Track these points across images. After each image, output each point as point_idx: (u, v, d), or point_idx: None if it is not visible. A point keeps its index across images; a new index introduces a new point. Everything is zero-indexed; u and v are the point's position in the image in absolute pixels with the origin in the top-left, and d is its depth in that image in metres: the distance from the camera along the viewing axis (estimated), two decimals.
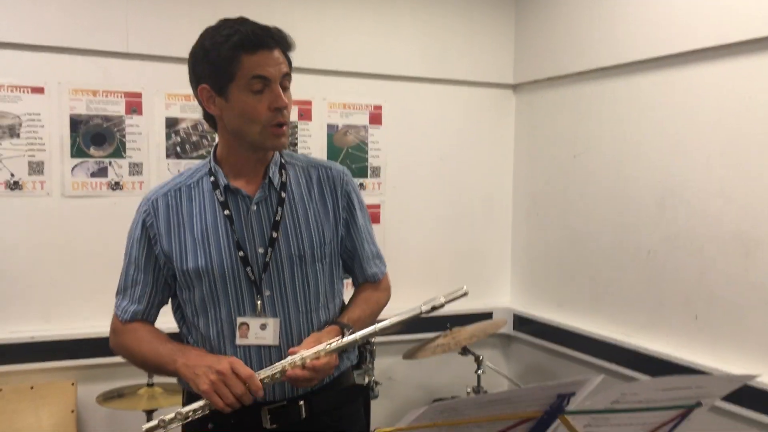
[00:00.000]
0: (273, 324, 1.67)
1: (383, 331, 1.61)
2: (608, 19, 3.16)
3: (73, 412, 2.93)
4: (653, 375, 2.84)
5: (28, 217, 2.95)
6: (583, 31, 3.31)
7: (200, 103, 1.69)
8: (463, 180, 3.77)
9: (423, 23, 3.60)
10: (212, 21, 3.34)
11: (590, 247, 3.31)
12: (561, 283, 3.53)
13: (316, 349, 1.57)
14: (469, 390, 3.21)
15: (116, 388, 2.83)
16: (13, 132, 2.91)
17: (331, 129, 3.45)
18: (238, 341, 1.67)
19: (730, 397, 1.24)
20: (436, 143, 3.70)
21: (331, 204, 1.77)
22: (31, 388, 2.90)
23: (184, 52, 3.16)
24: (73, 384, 2.97)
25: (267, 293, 1.69)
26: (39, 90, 2.94)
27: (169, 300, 1.82)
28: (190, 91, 3.36)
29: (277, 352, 1.68)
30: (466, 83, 3.73)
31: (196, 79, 1.68)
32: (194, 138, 3.21)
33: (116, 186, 3.08)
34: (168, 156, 3.16)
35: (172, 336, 1.81)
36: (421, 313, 1.59)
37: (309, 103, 3.40)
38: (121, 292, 1.78)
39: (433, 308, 1.59)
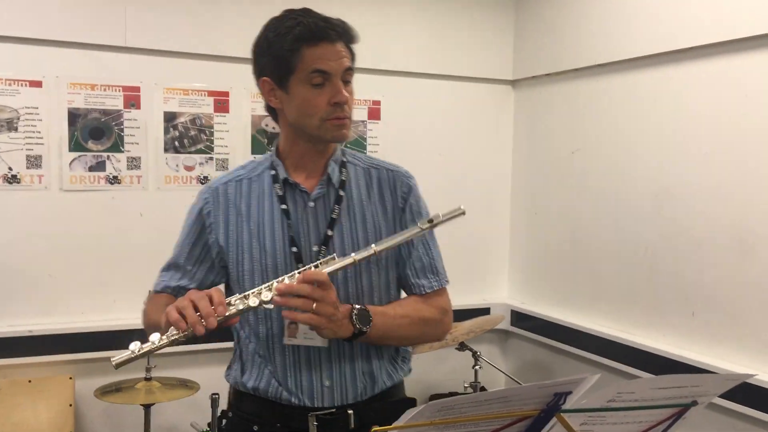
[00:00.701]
0: None
1: (385, 251, 1.57)
2: (606, 16, 3.15)
3: (71, 406, 2.93)
4: (650, 372, 2.86)
5: (26, 211, 2.95)
6: (582, 28, 3.30)
7: (262, 95, 1.68)
8: (462, 175, 3.77)
9: (422, 19, 3.59)
10: (209, 15, 3.35)
11: (588, 244, 3.32)
12: (559, 279, 3.54)
13: (304, 269, 1.52)
14: (466, 385, 3.21)
15: (114, 383, 2.83)
16: (11, 126, 2.91)
17: None
18: (286, 340, 1.63)
19: (727, 394, 1.25)
20: (435, 139, 3.69)
21: (390, 205, 1.72)
22: (29, 381, 2.90)
23: (183, 46, 3.19)
24: (71, 378, 2.97)
25: None
26: (37, 84, 2.94)
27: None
28: (187, 85, 3.37)
29: (328, 355, 1.64)
30: (465, 79, 3.73)
31: (258, 72, 1.66)
32: (192, 132, 3.21)
33: (114, 180, 3.08)
34: (166, 150, 3.16)
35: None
36: (421, 230, 1.57)
37: None
38: (164, 269, 1.77)
39: (431, 224, 1.57)
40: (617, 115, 3.14)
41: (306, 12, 1.63)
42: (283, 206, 1.66)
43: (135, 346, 1.42)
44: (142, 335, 3.06)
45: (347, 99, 1.60)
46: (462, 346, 3.18)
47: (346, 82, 1.62)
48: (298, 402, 1.64)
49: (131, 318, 3.04)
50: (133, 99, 3.09)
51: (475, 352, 3.19)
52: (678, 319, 2.84)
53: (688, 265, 2.79)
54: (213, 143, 3.25)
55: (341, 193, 1.68)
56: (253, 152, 3.31)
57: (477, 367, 3.20)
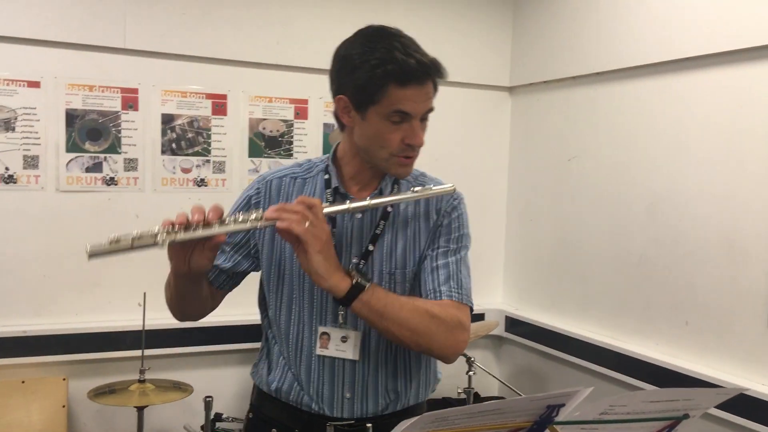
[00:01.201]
0: (354, 337, 1.62)
1: (376, 206, 1.58)
2: (603, 25, 3.17)
3: (64, 407, 2.93)
4: (642, 380, 2.87)
5: (22, 211, 2.95)
6: (579, 37, 3.32)
7: (336, 108, 1.62)
8: (458, 181, 3.70)
9: (420, 25, 3.60)
10: (208, 18, 3.35)
11: (582, 251, 3.33)
12: (553, 285, 3.55)
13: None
14: (459, 391, 3.22)
15: (107, 384, 2.83)
16: (8, 126, 2.91)
17: (327, 128, 3.46)
18: (318, 351, 1.62)
19: (719, 404, 1.26)
20: (431, 144, 3.64)
21: (432, 223, 1.69)
22: (23, 382, 2.90)
23: (181, 48, 3.19)
24: (64, 379, 2.97)
25: None
26: (35, 84, 2.93)
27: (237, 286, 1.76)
28: (186, 87, 3.36)
29: (352, 367, 1.63)
30: (463, 85, 3.74)
31: (336, 86, 1.61)
32: (190, 134, 3.21)
33: (111, 181, 3.08)
34: (163, 152, 3.16)
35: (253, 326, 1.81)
36: (414, 194, 1.59)
37: (305, 101, 3.41)
38: None
39: (423, 189, 1.61)
40: (613, 124, 3.15)
41: (400, 41, 1.55)
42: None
43: (114, 236, 1.36)
44: (136, 337, 3.08)
45: (422, 143, 1.58)
46: None
47: (423, 119, 1.60)
48: (318, 409, 1.64)
49: (126, 319, 3.06)
50: (131, 100, 3.09)
51: (469, 358, 3.20)
52: (671, 327, 2.85)
53: (681, 273, 2.81)
54: (210, 146, 3.25)
55: (389, 209, 1.66)
56: (250, 155, 3.32)
57: (471, 373, 3.21)
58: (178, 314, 1.70)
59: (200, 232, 1.40)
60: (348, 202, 1.53)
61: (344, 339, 1.62)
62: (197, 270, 1.48)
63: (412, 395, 1.70)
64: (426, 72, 1.55)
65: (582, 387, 1.06)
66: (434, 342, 1.56)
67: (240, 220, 1.44)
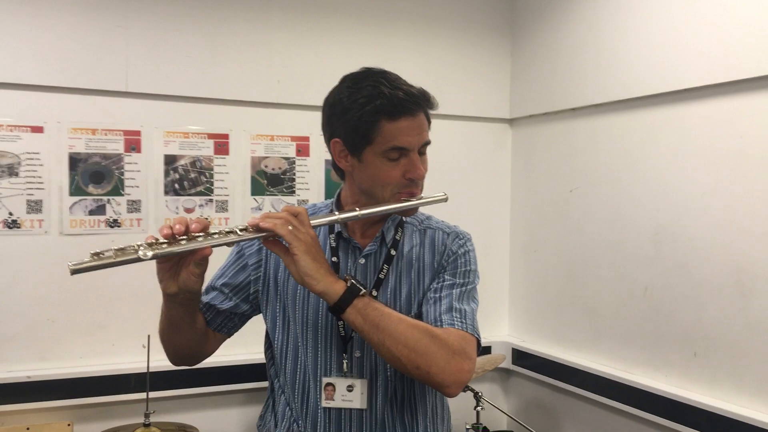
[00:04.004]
0: (360, 385, 1.59)
1: (365, 216, 1.56)
2: (602, 57, 3.19)
3: None
4: (653, 413, 2.84)
5: (26, 256, 2.95)
6: (578, 69, 3.34)
7: (331, 154, 1.61)
8: (460, 214, 3.73)
9: (419, 59, 3.63)
10: (209, 60, 3.37)
11: (588, 282, 3.31)
12: (559, 317, 3.52)
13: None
14: (468, 427, 3.18)
15: (112, 428, 2.80)
16: (12, 171, 2.92)
17: (329, 164, 3.47)
18: (324, 403, 1.59)
19: None
20: (433, 177, 3.63)
21: (436, 264, 1.67)
22: (27, 429, 2.87)
23: (183, 90, 3.21)
24: (69, 425, 2.93)
25: (357, 354, 1.61)
26: (38, 129, 2.96)
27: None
28: (187, 128, 3.37)
29: (359, 417, 1.60)
30: (463, 118, 3.76)
31: (329, 132, 1.60)
32: (192, 174, 3.22)
33: (114, 223, 3.09)
34: (166, 193, 3.17)
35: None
36: (406, 203, 1.57)
37: (306, 138, 3.43)
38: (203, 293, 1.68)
39: (415, 199, 1.59)
40: (615, 155, 3.16)
41: (385, 77, 1.55)
42: (334, 259, 1.63)
43: (95, 252, 1.32)
44: (141, 379, 3.05)
45: (423, 175, 1.57)
46: (464, 387, 3.15)
47: (422, 153, 1.58)
48: None
49: (130, 362, 3.03)
50: (133, 143, 3.11)
51: (477, 393, 3.17)
52: (680, 359, 2.82)
53: (687, 305, 2.78)
54: (213, 185, 3.26)
55: (392, 252, 1.65)
56: (252, 193, 3.32)
57: (479, 408, 3.17)
58: (170, 349, 1.64)
59: (184, 245, 1.37)
60: (336, 213, 1.53)
61: (350, 388, 1.60)
62: (186, 289, 1.44)
63: None
64: (415, 102, 1.55)
65: None
66: (433, 365, 1.45)
67: (226, 231, 1.41)
